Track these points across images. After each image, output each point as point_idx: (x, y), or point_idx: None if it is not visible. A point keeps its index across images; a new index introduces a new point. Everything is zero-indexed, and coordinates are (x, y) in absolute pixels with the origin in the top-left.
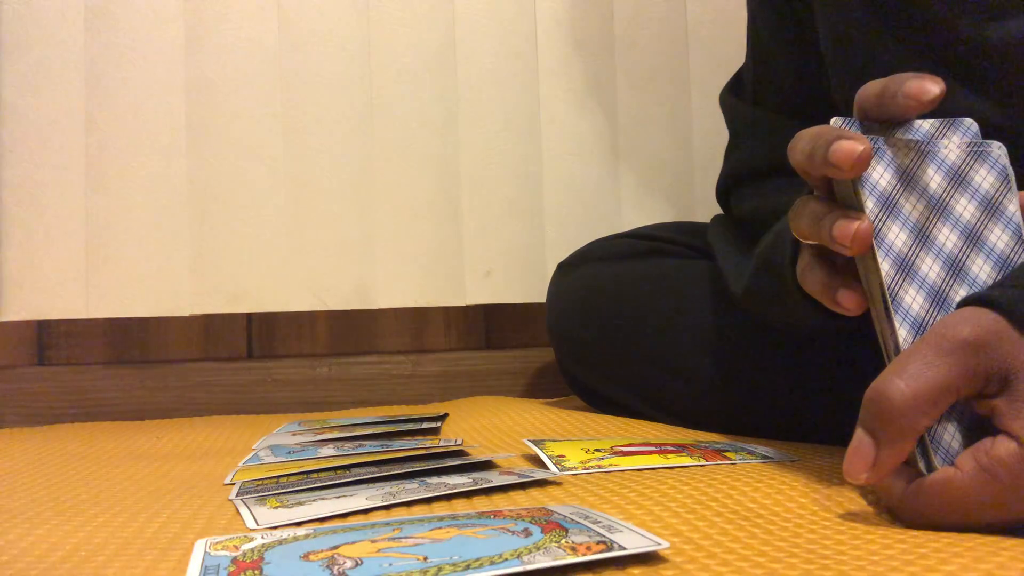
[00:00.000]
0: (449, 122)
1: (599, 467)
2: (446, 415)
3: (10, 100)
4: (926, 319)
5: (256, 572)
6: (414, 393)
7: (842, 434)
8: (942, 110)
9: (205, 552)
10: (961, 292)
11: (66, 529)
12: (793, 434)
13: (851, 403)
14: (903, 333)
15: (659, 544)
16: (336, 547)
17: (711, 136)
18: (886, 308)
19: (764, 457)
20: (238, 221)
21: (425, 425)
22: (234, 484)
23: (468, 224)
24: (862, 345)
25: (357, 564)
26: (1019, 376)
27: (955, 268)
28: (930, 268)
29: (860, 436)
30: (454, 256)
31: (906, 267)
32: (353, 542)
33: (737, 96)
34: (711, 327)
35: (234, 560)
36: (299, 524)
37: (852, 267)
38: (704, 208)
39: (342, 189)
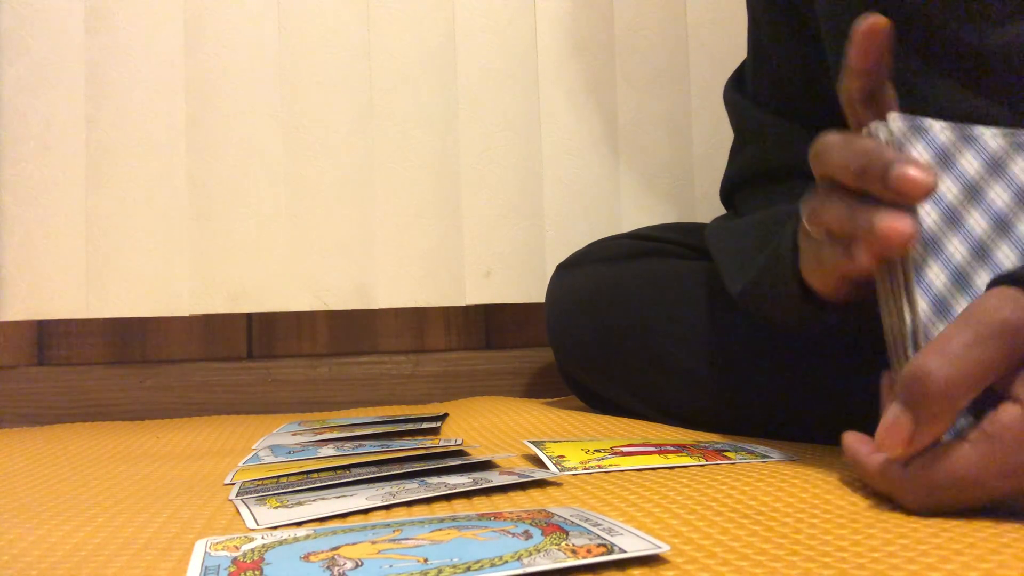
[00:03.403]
0: (449, 122)
1: (599, 467)
2: (446, 415)
3: (10, 100)
4: (948, 298)
5: (256, 572)
6: (414, 393)
7: (841, 434)
8: (948, 113)
9: (205, 552)
10: (984, 277)
11: (66, 529)
12: (793, 434)
13: (850, 403)
14: (923, 305)
15: (659, 547)
16: (336, 548)
17: (711, 136)
18: (906, 283)
19: (764, 457)
20: (238, 221)
21: (425, 425)
22: (234, 484)
23: (468, 224)
24: (861, 347)
25: (358, 565)
26: None
27: (981, 253)
28: (956, 249)
29: (898, 412)
30: (454, 256)
31: (933, 244)
32: (354, 543)
33: (742, 93)
34: (710, 328)
35: (234, 560)
36: (299, 524)
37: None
38: (704, 208)
39: (342, 189)
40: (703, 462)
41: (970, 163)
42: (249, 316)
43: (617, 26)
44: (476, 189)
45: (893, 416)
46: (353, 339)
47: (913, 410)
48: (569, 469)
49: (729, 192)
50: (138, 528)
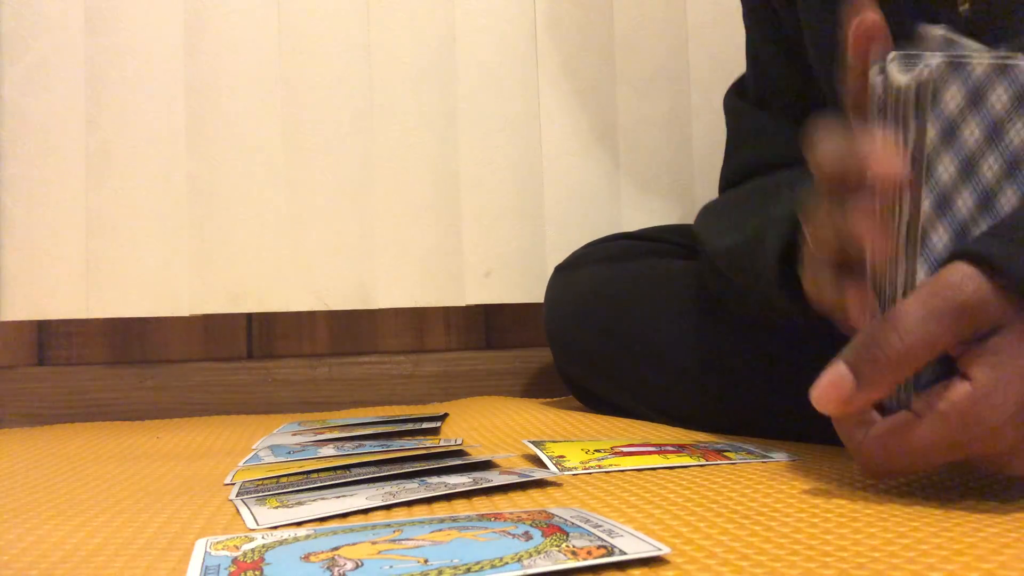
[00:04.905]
0: (449, 122)
1: (599, 467)
2: (446, 415)
3: (10, 100)
4: (944, 255)
5: (257, 572)
6: (414, 393)
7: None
8: None
9: (206, 552)
10: (984, 226)
11: (66, 529)
12: (793, 434)
13: None
14: (922, 275)
15: (660, 549)
16: (337, 548)
17: (711, 136)
18: (910, 245)
19: (764, 457)
20: (238, 221)
21: (425, 425)
22: (234, 484)
23: (468, 224)
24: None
25: (358, 566)
26: (998, 332)
27: (987, 200)
28: (965, 202)
29: (842, 371)
30: (454, 256)
31: (945, 202)
32: (354, 543)
33: (743, 100)
34: (708, 328)
35: (235, 560)
36: (299, 524)
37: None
38: None
39: (342, 189)
40: (703, 462)
41: (1000, 98)
42: (249, 316)
43: (617, 26)
44: (476, 189)
45: (837, 375)
46: (353, 339)
47: (859, 374)
48: (569, 469)
49: (726, 190)
50: (138, 528)
